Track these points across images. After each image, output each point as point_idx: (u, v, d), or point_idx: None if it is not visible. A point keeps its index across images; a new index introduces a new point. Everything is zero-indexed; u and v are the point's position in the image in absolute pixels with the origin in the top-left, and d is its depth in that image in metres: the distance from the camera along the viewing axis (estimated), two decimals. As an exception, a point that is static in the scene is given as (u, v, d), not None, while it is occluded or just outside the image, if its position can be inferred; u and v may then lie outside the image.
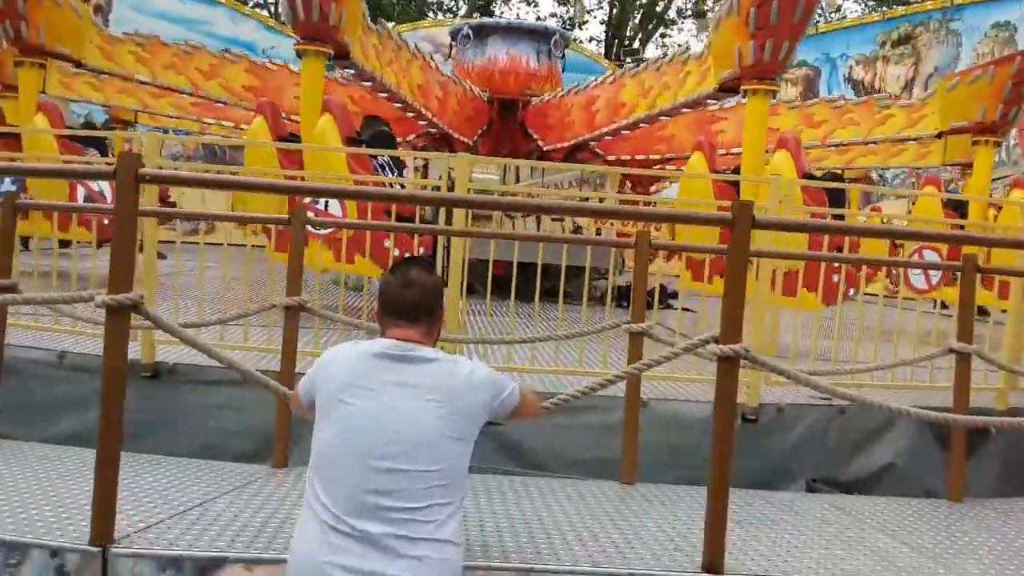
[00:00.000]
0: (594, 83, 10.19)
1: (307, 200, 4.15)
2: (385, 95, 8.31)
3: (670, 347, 2.93)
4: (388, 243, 4.62)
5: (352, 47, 6.74)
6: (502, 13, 28.30)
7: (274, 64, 10.60)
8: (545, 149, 10.89)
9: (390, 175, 5.07)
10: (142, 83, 9.51)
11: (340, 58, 6.74)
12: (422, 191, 4.68)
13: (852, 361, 4.41)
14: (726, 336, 2.56)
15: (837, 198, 5.91)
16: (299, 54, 6.39)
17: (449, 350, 4.37)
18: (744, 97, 7.13)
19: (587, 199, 7.56)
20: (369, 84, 7.98)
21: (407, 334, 2.16)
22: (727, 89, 6.94)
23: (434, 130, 10.02)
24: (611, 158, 11.54)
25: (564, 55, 12.58)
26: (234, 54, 10.50)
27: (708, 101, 8.19)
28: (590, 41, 28.41)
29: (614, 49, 24.60)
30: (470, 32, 11.36)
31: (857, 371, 4.10)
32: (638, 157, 11.61)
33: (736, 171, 7.03)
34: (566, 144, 10.66)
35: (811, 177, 6.21)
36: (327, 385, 2.12)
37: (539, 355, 4.96)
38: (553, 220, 9.22)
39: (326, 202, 4.21)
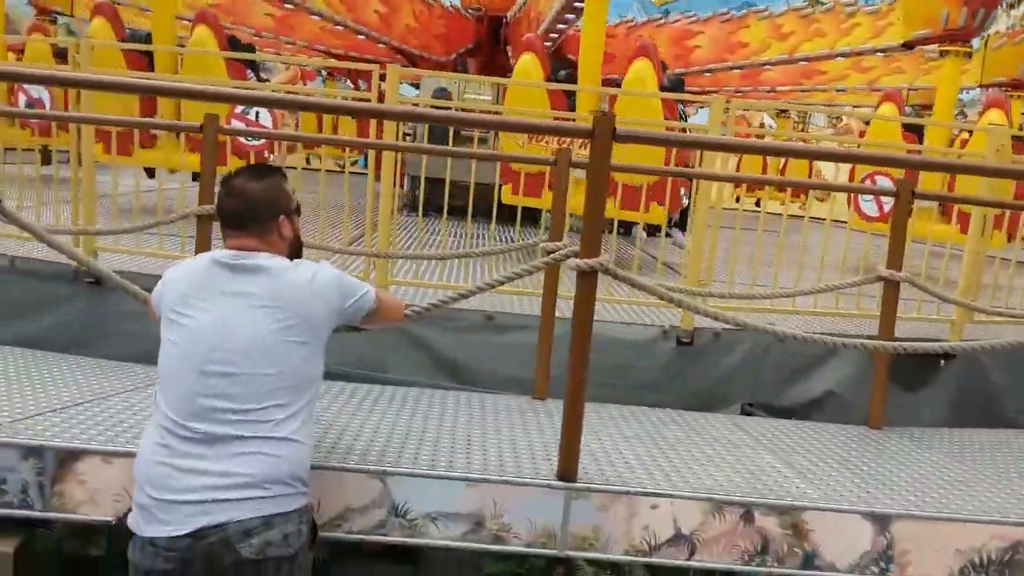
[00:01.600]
0: (695, 16, 9.98)
1: (238, 109, 4.15)
2: (290, 6, 8.04)
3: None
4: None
5: None
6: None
7: None
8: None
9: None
10: None
11: None
12: (343, 101, 4.59)
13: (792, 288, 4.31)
14: (585, 250, 2.53)
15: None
16: None
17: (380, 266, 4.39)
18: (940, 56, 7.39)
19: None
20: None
21: (242, 243, 2.20)
22: (911, 45, 7.36)
23: (382, 46, 9.75)
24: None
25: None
26: None
27: (877, 53, 8.29)
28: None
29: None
30: None
31: (774, 296, 4.01)
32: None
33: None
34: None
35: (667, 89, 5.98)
36: (167, 298, 2.18)
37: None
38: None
39: (256, 111, 4.18)
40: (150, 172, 5.90)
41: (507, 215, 5.69)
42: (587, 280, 2.54)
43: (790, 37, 9.81)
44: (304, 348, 2.13)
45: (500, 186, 5.36)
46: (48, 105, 5.04)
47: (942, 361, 4.63)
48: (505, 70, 10.67)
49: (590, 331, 2.56)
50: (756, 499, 2.58)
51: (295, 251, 2.35)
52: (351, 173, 4.69)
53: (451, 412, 3.29)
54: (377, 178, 4.19)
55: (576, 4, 7.24)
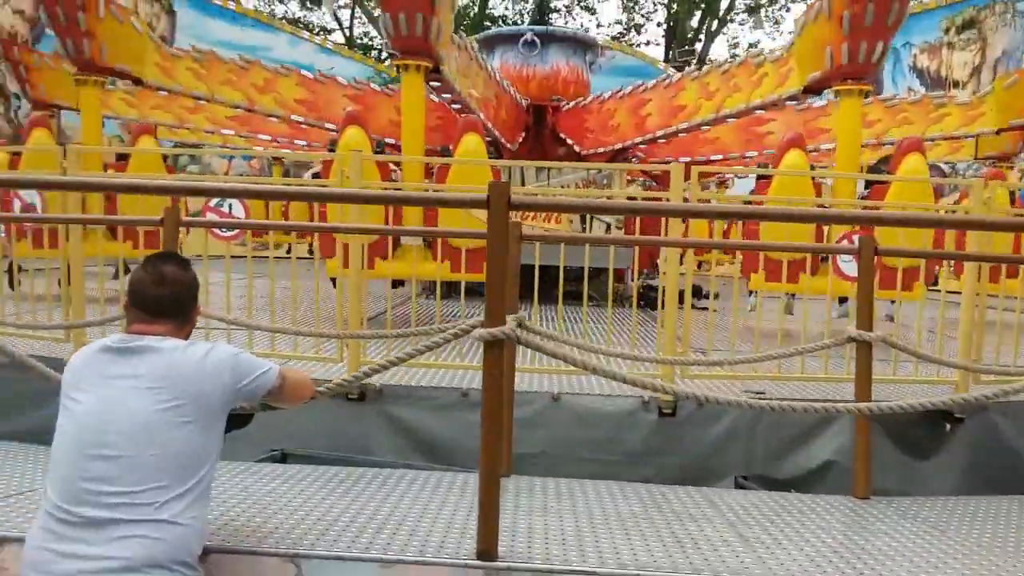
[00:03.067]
0: (644, 87, 10.15)
1: (212, 202, 4.32)
2: (458, 108, 8.43)
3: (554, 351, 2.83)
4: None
5: (444, 61, 6.78)
6: (566, 23, 28.32)
7: (324, 78, 10.87)
8: (583, 153, 10.83)
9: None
10: (198, 99, 9.82)
11: (433, 71, 6.70)
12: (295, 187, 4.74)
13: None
14: (490, 319, 2.48)
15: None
16: (398, 69, 6.50)
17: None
18: (836, 97, 7.08)
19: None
20: (448, 97, 8.09)
21: (145, 328, 2.21)
22: (812, 90, 7.02)
23: (488, 138, 10.16)
24: (654, 161, 11.35)
25: (598, 60, 12.51)
26: (286, 68, 10.78)
27: (788, 102, 8.11)
28: (647, 44, 28.06)
29: (672, 52, 24.13)
30: (535, 39, 11.41)
31: (736, 362, 3.84)
32: (683, 159, 11.38)
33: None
34: (608, 148, 10.63)
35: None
36: (63, 383, 2.21)
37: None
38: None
39: (230, 203, 4.34)
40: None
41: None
42: (493, 350, 2.49)
43: (876, 125, 10.01)
44: (191, 428, 2.10)
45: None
46: (40, 209, 5.35)
47: (947, 425, 4.34)
48: (554, 158, 10.89)
49: (499, 403, 2.49)
50: (687, 573, 2.41)
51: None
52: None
53: (395, 491, 3.20)
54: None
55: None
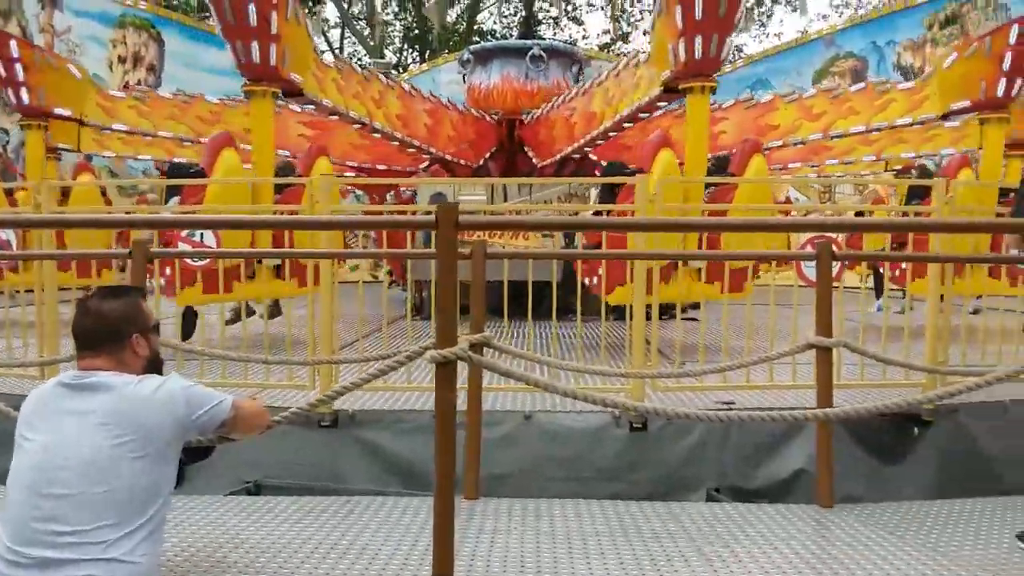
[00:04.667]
0: (571, 95, 10.09)
1: (183, 232, 4.36)
2: (358, 126, 8.56)
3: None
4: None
5: (305, 84, 7.03)
6: (555, 35, 28.51)
7: (277, 106, 11.02)
8: (539, 165, 10.92)
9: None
10: (145, 135, 10.19)
11: (292, 95, 7.03)
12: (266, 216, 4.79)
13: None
14: (441, 341, 2.52)
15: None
16: (247, 95, 6.72)
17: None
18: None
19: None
20: (336, 117, 8.26)
21: (93, 364, 2.22)
22: (672, 90, 6.75)
23: (428, 156, 10.22)
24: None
25: (575, 70, 12.62)
26: (233, 100, 11.05)
27: (659, 104, 7.97)
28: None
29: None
30: (470, 57, 11.62)
31: (695, 373, 3.88)
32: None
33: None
34: (554, 159, 10.66)
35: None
36: (19, 421, 2.21)
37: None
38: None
39: (200, 232, 4.39)
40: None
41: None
42: (445, 372, 2.52)
43: (822, 117, 9.96)
44: (143, 463, 2.11)
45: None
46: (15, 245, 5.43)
47: (915, 429, 4.37)
48: (524, 171, 11.00)
49: (452, 426, 2.52)
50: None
51: (154, 369, 2.38)
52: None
53: (362, 518, 3.24)
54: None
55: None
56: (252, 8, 6.17)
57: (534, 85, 11.29)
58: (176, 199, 5.39)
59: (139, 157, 11.82)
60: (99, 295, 2.34)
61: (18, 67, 8.33)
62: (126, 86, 15.30)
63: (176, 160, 8.44)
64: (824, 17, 27.43)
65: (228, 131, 6.68)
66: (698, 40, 6.02)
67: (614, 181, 6.14)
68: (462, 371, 2.72)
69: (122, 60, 17.23)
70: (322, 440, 4.36)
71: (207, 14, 25.10)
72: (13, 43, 8.53)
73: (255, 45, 6.37)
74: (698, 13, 5.93)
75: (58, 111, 8.72)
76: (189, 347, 3.92)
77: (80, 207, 7.12)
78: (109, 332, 2.26)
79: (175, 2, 22.53)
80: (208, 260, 4.52)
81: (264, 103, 6.62)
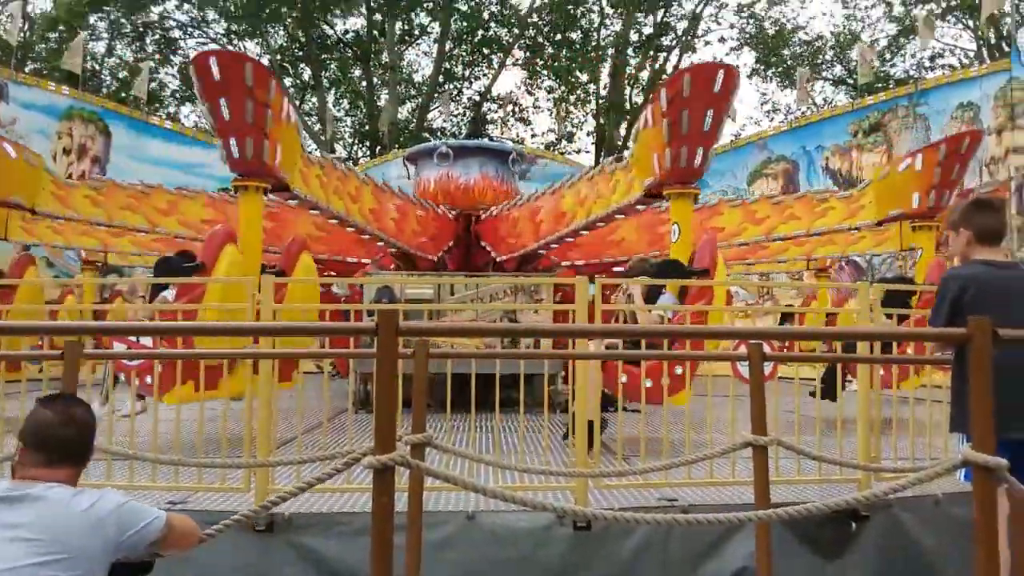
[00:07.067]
0: (537, 194, 10.51)
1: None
2: (335, 220, 8.72)
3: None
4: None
5: (292, 179, 7.15)
6: (502, 134, 29.49)
7: (232, 197, 11.13)
8: (498, 260, 11.16)
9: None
10: (99, 225, 10.06)
11: (280, 190, 7.17)
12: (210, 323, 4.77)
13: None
14: (379, 446, 2.51)
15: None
16: (236, 189, 6.79)
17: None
18: (667, 200, 7.55)
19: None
20: (316, 212, 8.39)
21: (47, 475, 2.12)
22: (652, 195, 7.30)
23: (394, 250, 10.41)
24: (566, 264, 11.72)
25: (522, 169, 13.04)
26: (193, 191, 11.12)
27: (638, 207, 8.38)
28: (578, 152, 29.39)
29: (601, 158, 25.37)
30: (449, 152, 11.76)
31: (639, 471, 3.92)
32: (592, 261, 11.83)
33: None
34: (516, 254, 10.94)
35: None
36: None
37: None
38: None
39: (137, 334, 4.33)
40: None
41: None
42: (383, 478, 2.50)
43: (765, 222, 10.52)
44: None
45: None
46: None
47: (853, 525, 4.44)
48: (479, 264, 11.19)
49: (389, 535, 2.48)
50: None
51: None
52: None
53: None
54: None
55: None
56: (249, 106, 6.31)
57: (452, 182, 11.54)
58: (165, 294, 5.30)
59: (72, 246, 11.71)
60: (79, 405, 2.26)
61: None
62: (69, 176, 15.23)
63: (167, 255, 8.29)
64: (757, 122, 29.14)
65: (228, 225, 6.68)
66: (683, 151, 6.56)
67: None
68: (403, 471, 2.70)
69: (67, 151, 17.18)
70: (257, 547, 4.21)
71: (156, 106, 25.40)
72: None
73: (249, 142, 6.50)
74: (684, 127, 6.45)
75: (12, 200, 8.64)
76: (118, 450, 3.80)
77: (24, 305, 6.95)
78: (84, 444, 2.22)
79: (123, 95, 22.65)
80: (143, 360, 4.43)
81: (254, 198, 6.66)
